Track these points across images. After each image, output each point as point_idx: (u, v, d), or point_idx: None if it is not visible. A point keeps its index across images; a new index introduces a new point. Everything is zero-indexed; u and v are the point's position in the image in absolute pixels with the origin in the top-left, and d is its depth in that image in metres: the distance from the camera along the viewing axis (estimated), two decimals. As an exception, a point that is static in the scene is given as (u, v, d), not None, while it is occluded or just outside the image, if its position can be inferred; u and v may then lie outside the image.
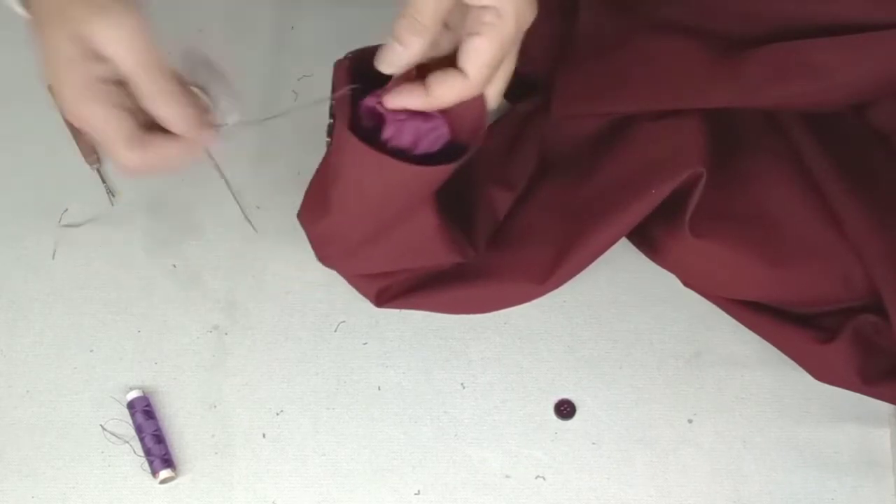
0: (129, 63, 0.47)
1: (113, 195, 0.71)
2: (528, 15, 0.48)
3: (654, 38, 0.67)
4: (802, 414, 0.65)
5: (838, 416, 0.65)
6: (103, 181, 0.71)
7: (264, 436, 0.64)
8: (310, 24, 0.79)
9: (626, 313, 0.68)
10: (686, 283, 0.69)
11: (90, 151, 0.72)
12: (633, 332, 0.67)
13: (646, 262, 0.69)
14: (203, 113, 0.50)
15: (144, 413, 0.63)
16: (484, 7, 0.47)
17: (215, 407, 0.65)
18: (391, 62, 0.49)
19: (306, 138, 0.75)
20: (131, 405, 0.64)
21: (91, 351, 0.66)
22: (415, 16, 0.47)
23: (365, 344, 0.67)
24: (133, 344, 0.66)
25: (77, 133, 0.72)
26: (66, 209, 0.70)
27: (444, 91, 0.49)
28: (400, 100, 0.51)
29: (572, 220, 0.65)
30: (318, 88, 0.76)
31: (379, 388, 0.66)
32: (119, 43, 0.46)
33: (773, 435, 0.64)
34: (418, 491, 0.63)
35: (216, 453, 0.63)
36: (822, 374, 0.65)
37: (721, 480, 0.63)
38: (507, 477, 0.63)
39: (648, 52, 0.65)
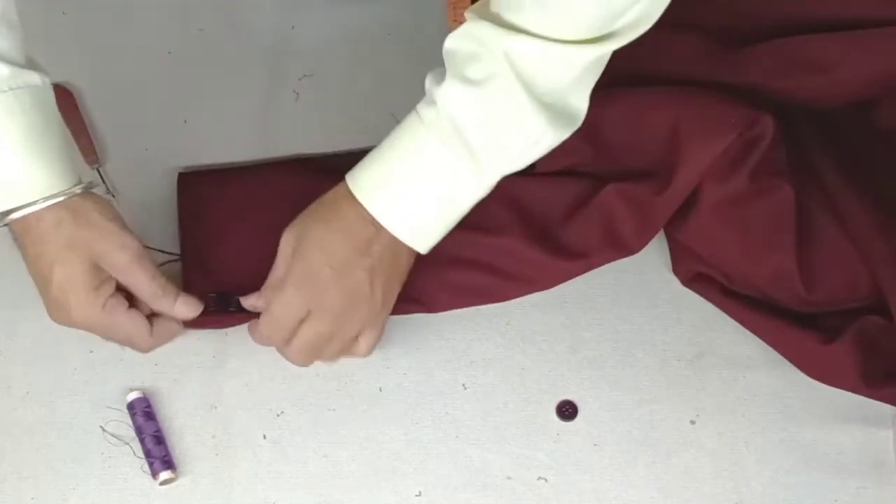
0: (137, 281, 0.59)
1: (113, 195, 0.71)
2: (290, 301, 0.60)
3: (659, 33, 0.67)
4: (805, 415, 0.65)
5: (842, 418, 0.64)
6: (103, 181, 0.71)
7: (265, 437, 0.64)
8: (310, 23, 0.79)
9: (628, 314, 0.68)
10: (689, 279, 0.69)
11: (90, 151, 0.71)
12: (635, 333, 0.67)
13: (647, 263, 0.69)
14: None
15: (144, 414, 0.63)
16: None
17: (216, 408, 0.65)
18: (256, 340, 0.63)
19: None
20: (131, 406, 0.63)
21: (91, 352, 0.66)
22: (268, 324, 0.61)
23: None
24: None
25: (77, 133, 0.72)
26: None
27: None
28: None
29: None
30: (318, 88, 0.76)
31: (380, 389, 0.66)
32: (132, 266, 0.58)
33: (776, 436, 0.64)
34: (419, 492, 0.62)
35: (216, 454, 0.63)
36: (822, 375, 0.65)
37: (723, 482, 0.63)
38: (509, 478, 0.63)
39: (653, 46, 0.65)
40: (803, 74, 0.65)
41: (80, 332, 0.66)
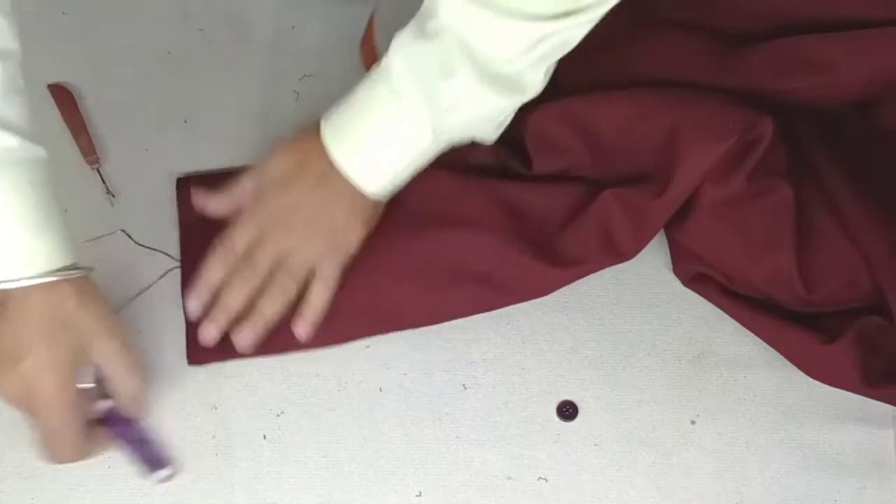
0: (119, 372, 0.58)
1: (113, 195, 0.71)
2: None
3: (659, 33, 0.67)
4: (806, 415, 0.65)
5: (842, 418, 0.64)
6: (103, 181, 0.71)
7: (265, 437, 0.64)
8: (310, 23, 0.79)
9: (628, 314, 0.68)
10: (689, 279, 0.69)
11: (90, 151, 0.71)
12: (635, 333, 0.67)
13: (649, 263, 0.69)
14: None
15: (121, 422, 0.61)
16: None
17: (216, 408, 0.65)
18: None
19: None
20: (106, 421, 0.60)
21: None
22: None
23: (367, 347, 0.66)
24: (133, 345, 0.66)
25: (77, 133, 0.72)
26: (66, 209, 0.70)
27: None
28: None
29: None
30: (318, 88, 0.76)
31: (380, 390, 0.65)
32: (117, 356, 0.58)
33: (777, 436, 0.64)
34: (420, 493, 0.62)
35: (217, 455, 0.63)
36: (823, 375, 0.65)
37: (724, 482, 0.63)
38: (509, 478, 0.63)
39: (653, 47, 0.65)
40: (803, 74, 0.65)
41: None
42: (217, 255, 0.63)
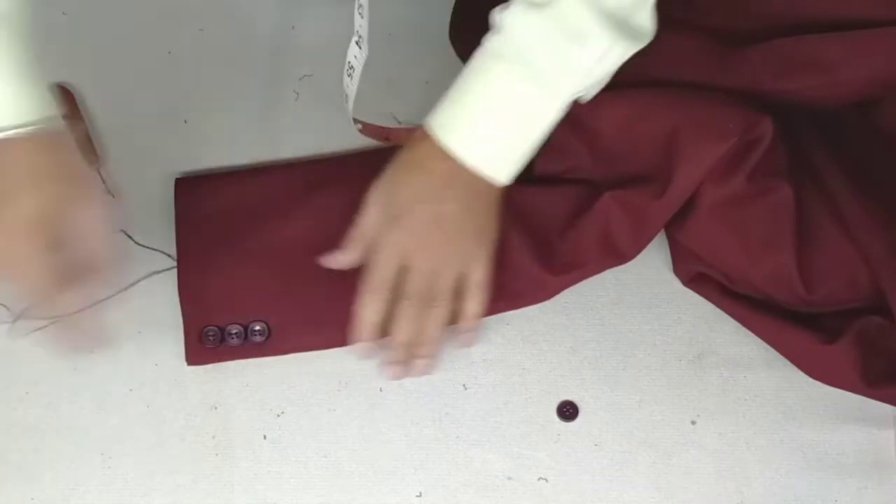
0: (84, 231, 0.54)
1: (113, 195, 0.70)
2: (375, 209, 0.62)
3: (659, 33, 0.67)
4: (806, 415, 0.65)
5: (842, 418, 0.64)
6: (103, 181, 0.71)
7: (265, 437, 0.64)
8: (310, 23, 0.79)
9: (629, 314, 0.68)
10: (689, 279, 0.69)
11: (90, 151, 0.71)
12: (636, 334, 0.67)
13: (648, 263, 0.69)
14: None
15: None
16: None
17: (216, 408, 0.65)
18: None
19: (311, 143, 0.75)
20: None
21: (91, 352, 0.66)
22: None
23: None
24: (133, 345, 0.66)
25: (77, 133, 0.72)
26: (66, 209, 0.70)
27: None
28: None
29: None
30: (318, 88, 0.76)
31: (380, 390, 0.65)
32: (82, 218, 0.54)
33: (777, 437, 0.64)
34: (420, 493, 0.62)
35: (217, 455, 0.63)
36: (823, 375, 0.65)
37: (724, 482, 0.63)
38: (510, 479, 0.63)
39: (653, 46, 0.65)
40: (804, 74, 0.65)
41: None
42: (368, 293, 0.61)
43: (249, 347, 0.65)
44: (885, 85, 0.66)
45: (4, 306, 0.66)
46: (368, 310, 0.61)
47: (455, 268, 0.61)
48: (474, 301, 0.62)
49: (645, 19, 0.56)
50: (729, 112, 0.64)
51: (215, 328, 0.65)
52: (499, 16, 0.56)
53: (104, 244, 0.56)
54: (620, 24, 0.55)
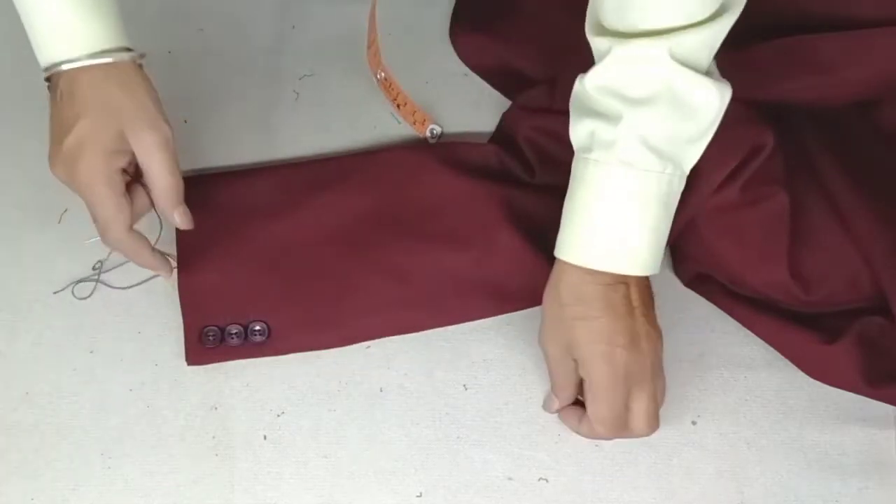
0: (156, 166, 0.58)
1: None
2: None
3: None
4: (807, 416, 0.64)
5: (844, 418, 0.64)
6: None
7: (265, 437, 0.64)
8: (310, 23, 0.79)
9: (629, 314, 0.68)
10: (689, 280, 0.68)
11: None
12: (636, 334, 0.67)
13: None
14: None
15: None
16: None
17: (216, 408, 0.64)
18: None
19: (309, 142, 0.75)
20: None
21: (91, 352, 0.66)
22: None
23: (368, 347, 0.66)
24: (133, 345, 0.66)
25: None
26: (66, 209, 0.70)
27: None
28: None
29: None
30: (319, 88, 0.76)
31: (381, 390, 0.65)
32: (156, 149, 0.58)
33: (778, 437, 0.64)
34: (420, 493, 0.62)
35: (217, 455, 0.63)
36: (824, 375, 0.65)
37: (725, 482, 0.63)
38: (510, 479, 0.63)
39: None
40: (805, 74, 0.65)
41: (80, 333, 0.66)
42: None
43: (249, 347, 0.65)
44: (886, 84, 0.66)
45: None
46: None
47: (659, 376, 0.60)
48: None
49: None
50: (737, 131, 0.64)
51: (215, 328, 0.65)
52: (603, 127, 0.55)
53: (167, 178, 0.59)
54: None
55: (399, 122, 0.75)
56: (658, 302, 0.68)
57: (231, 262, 0.67)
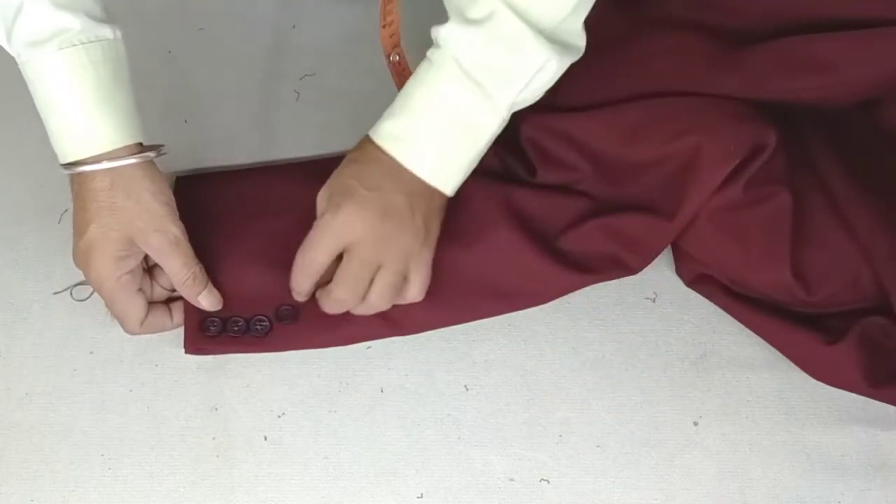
0: (170, 265, 0.61)
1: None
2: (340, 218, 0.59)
3: (659, 33, 0.67)
4: (810, 417, 0.64)
5: (846, 419, 0.64)
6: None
7: (266, 438, 0.64)
8: (311, 23, 0.79)
9: (631, 315, 0.68)
10: (692, 280, 0.68)
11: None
12: (638, 334, 0.67)
13: (651, 264, 0.69)
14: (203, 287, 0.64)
15: None
16: None
17: (216, 409, 0.64)
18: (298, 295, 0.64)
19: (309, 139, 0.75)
20: None
21: (91, 353, 0.66)
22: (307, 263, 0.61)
23: (368, 348, 0.66)
24: (133, 346, 0.66)
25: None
26: (66, 209, 0.70)
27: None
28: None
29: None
30: (319, 88, 0.76)
31: (381, 391, 0.65)
32: (166, 250, 0.60)
33: (780, 438, 0.64)
34: (421, 494, 0.62)
35: (217, 456, 0.63)
36: (826, 376, 0.65)
37: (727, 483, 0.62)
38: (511, 480, 0.63)
39: (653, 46, 0.65)
40: (807, 74, 0.65)
41: (79, 333, 0.66)
42: (302, 275, 0.62)
43: (249, 340, 0.65)
44: (888, 84, 0.66)
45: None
46: (298, 291, 0.63)
47: (399, 264, 0.60)
48: (412, 297, 0.62)
49: (575, 37, 0.58)
50: (736, 129, 0.64)
51: (218, 319, 0.65)
52: (437, 31, 0.57)
53: (182, 272, 0.61)
54: (553, 39, 0.56)
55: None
56: (660, 302, 0.68)
57: (233, 260, 0.67)
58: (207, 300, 0.63)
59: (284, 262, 0.65)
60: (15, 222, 0.70)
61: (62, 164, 0.59)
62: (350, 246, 0.59)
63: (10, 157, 0.73)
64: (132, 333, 0.63)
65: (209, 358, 0.66)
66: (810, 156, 0.67)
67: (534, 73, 0.56)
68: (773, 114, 0.66)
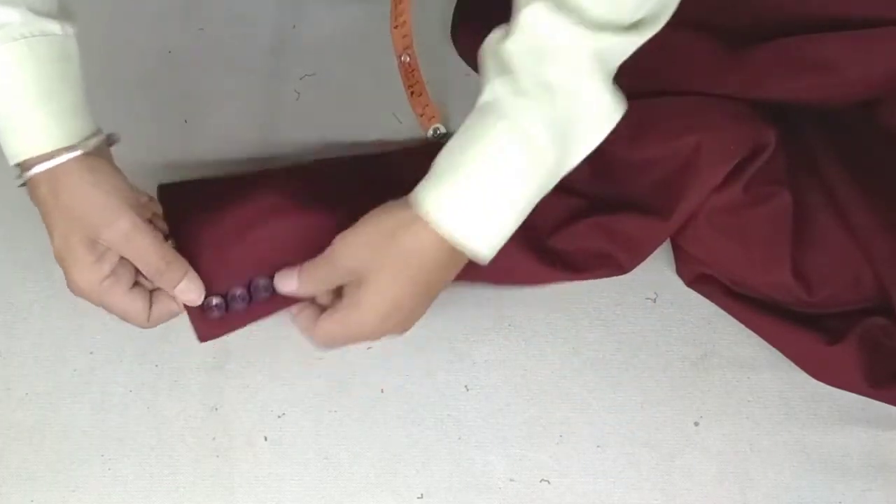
0: (133, 253, 0.55)
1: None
2: (369, 329, 0.55)
3: (667, 30, 0.67)
4: (810, 417, 0.64)
5: (847, 420, 0.64)
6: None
7: (266, 439, 0.64)
8: (311, 23, 0.78)
9: (631, 315, 0.68)
10: (692, 280, 0.68)
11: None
12: (638, 334, 0.67)
13: (651, 263, 0.68)
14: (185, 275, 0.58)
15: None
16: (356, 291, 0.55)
17: (216, 409, 0.64)
18: (283, 288, 0.59)
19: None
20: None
21: (91, 353, 0.66)
22: (314, 274, 0.57)
23: (369, 348, 0.66)
24: (133, 346, 0.66)
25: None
26: (66, 210, 0.69)
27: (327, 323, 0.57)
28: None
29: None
30: (320, 87, 0.76)
31: (382, 391, 0.65)
32: (126, 240, 0.55)
33: (781, 438, 0.64)
34: (421, 494, 0.62)
35: (217, 456, 0.63)
36: (827, 376, 0.65)
37: (728, 484, 0.62)
38: (512, 480, 0.63)
39: (654, 45, 0.65)
40: (809, 74, 0.65)
41: (80, 333, 0.66)
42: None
43: (257, 308, 0.60)
44: (888, 84, 0.66)
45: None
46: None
47: (399, 333, 0.57)
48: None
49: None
50: (736, 129, 0.64)
51: (217, 299, 0.59)
52: (509, 95, 0.51)
53: (153, 258, 0.56)
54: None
55: (401, 122, 0.75)
56: (660, 302, 0.68)
57: (217, 230, 0.62)
58: (188, 288, 0.57)
59: (276, 230, 0.62)
60: (15, 222, 0.70)
61: (13, 167, 0.54)
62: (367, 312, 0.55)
63: (10, 157, 0.73)
64: (145, 328, 0.58)
65: (209, 358, 0.66)
66: (811, 156, 0.67)
67: (601, 123, 0.53)
68: (773, 113, 0.66)
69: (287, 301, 0.60)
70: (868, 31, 0.64)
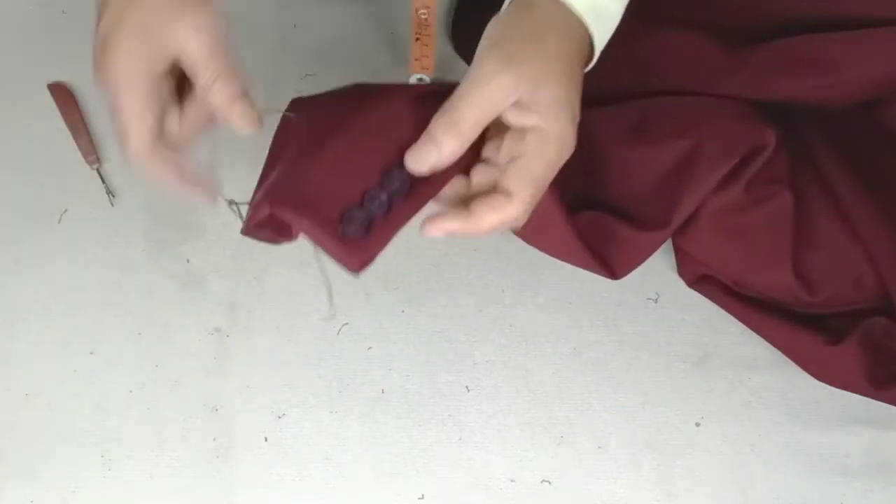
0: (187, 59, 0.48)
1: (113, 195, 0.70)
2: (570, 140, 0.46)
3: (661, 32, 0.67)
4: (812, 417, 0.64)
5: (848, 420, 0.64)
6: (103, 181, 0.71)
7: (266, 439, 0.63)
8: (312, 23, 0.78)
9: (632, 316, 0.67)
10: (694, 280, 0.68)
11: (90, 151, 0.71)
12: (639, 335, 0.67)
13: (651, 264, 0.68)
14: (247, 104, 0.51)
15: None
16: (529, 128, 0.45)
17: (217, 410, 0.64)
18: (423, 160, 0.47)
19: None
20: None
21: (91, 353, 0.66)
22: (456, 119, 0.45)
23: (370, 348, 0.66)
24: (133, 346, 0.66)
25: (77, 133, 0.72)
26: (66, 210, 0.69)
27: (488, 214, 0.46)
28: (441, 225, 0.47)
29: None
30: (320, 87, 0.76)
31: (382, 392, 0.65)
32: (196, 44, 0.48)
33: (782, 438, 0.64)
34: (422, 495, 0.62)
35: (217, 457, 0.63)
36: (828, 376, 0.65)
37: (729, 484, 0.62)
38: (512, 481, 0.62)
39: (655, 45, 0.65)
40: (809, 74, 0.65)
41: (80, 333, 0.66)
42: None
43: (401, 211, 0.48)
44: (889, 84, 0.66)
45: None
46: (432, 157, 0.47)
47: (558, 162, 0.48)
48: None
49: None
50: (740, 128, 0.64)
51: (354, 207, 0.48)
52: None
53: (224, 87, 0.50)
54: None
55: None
56: (661, 303, 0.68)
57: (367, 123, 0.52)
58: (242, 111, 0.50)
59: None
60: (15, 223, 0.70)
61: None
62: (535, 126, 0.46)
63: (10, 157, 0.73)
64: (139, 156, 0.49)
65: (209, 358, 0.66)
66: (812, 156, 0.67)
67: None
68: (774, 114, 0.66)
69: (428, 192, 0.49)
70: (868, 31, 0.64)
